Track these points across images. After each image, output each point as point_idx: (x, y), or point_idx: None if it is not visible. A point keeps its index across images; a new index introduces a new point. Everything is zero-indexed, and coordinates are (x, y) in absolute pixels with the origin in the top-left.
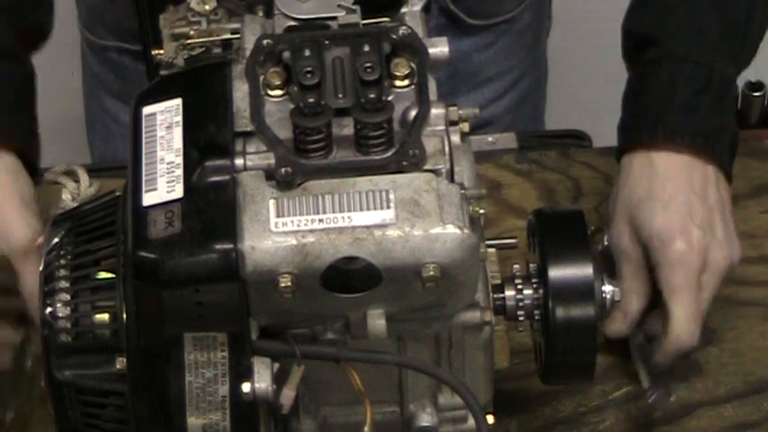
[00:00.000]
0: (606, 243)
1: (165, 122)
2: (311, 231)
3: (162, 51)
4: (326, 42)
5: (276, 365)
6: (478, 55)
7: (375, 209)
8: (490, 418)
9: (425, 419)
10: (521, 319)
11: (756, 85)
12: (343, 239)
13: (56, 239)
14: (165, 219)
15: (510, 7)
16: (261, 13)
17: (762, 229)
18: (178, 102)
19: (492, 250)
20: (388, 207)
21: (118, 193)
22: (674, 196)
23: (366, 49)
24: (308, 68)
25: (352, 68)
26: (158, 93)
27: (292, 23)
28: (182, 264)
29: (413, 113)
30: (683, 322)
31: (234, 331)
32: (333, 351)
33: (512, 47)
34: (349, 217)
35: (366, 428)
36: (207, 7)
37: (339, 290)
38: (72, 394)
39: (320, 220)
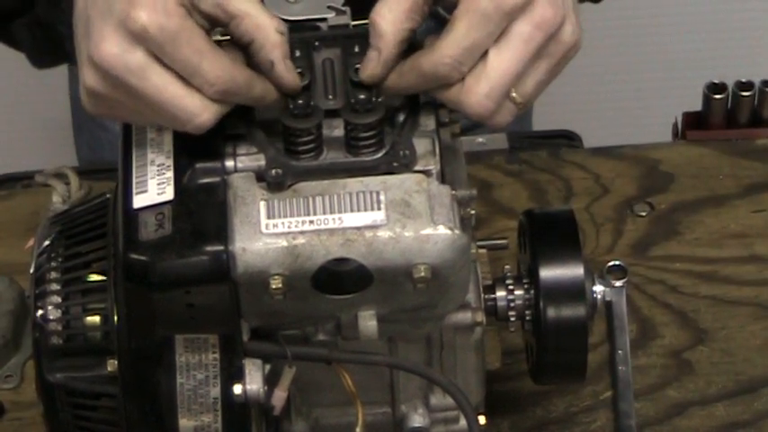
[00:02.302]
0: None
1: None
2: (302, 233)
3: None
4: (316, 44)
5: (267, 367)
6: None
7: (366, 210)
8: (482, 419)
9: (417, 420)
10: (512, 319)
11: (746, 85)
12: (334, 241)
13: (47, 242)
14: (155, 221)
15: None
16: None
17: (752, 228)
18: None
19: (483, 251)
20: (379, 208)
21: (108, 196)
22: None
23: (356, 50)
24: (298, 70)
25: (342, 70)
26: None
27: None
28: (172, 266)
29: (403, 114)
30: (458, 40)
31: (225, 333)
32: (324, 352)
33: None
34: (340, 218)
35: (358, 429)
36: None
37: (330, 291)
38: (63, 397)
39: (311, 222)
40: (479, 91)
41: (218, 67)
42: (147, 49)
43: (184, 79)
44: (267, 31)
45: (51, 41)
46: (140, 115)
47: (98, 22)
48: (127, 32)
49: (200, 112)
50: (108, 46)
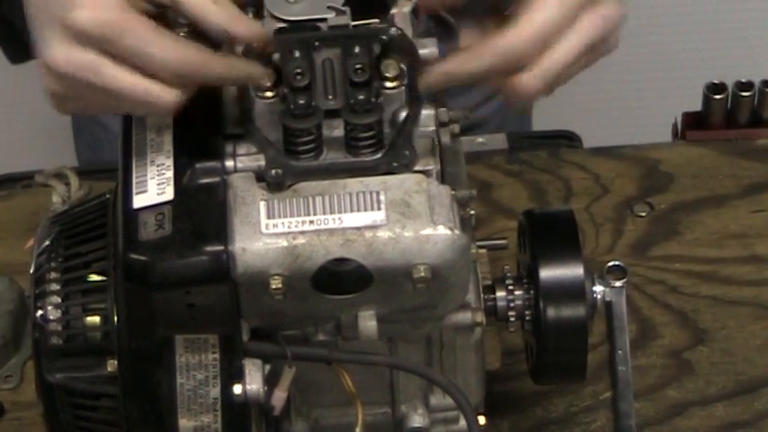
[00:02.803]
0: None
1: (155, 125)
2: (302, 233)
3: None
4: (316, 44)
5: (267, 367)
6: None
7: (366, 210)
8: (482, 419)
9: (417, 420)
10: (512, 319)
11: (746, 85)
12: (334, 241)
13: (47, 242)
14: (155, 221)
15: None
16: (251, 15)
17: (752, 228)
18: None
19: (483, 251)
20: (379, 208)
21: (108, 196)
22: None
23: (356, 50)
24: (298, 70)
25: (342, 70)
26: None
27: (282, 25)
28: (172, 266)
29: (403, 115)
30: (534, 23)
31: (225, 333)
32: (324, 352)
33: None
34: (339, 218)
35: (357, 430)
36: None
37: (330, 291)
38: (63, 397)
39: (311, 222)
40: (536, 72)
41: (168, 51)
42: (93, 46)
43: (140, 67)
44: None
45: (15, 37)
46: (109, 106)
47: (44, 27)
48: (70, 34)
49: (163, 95)
50: (56, 51)
